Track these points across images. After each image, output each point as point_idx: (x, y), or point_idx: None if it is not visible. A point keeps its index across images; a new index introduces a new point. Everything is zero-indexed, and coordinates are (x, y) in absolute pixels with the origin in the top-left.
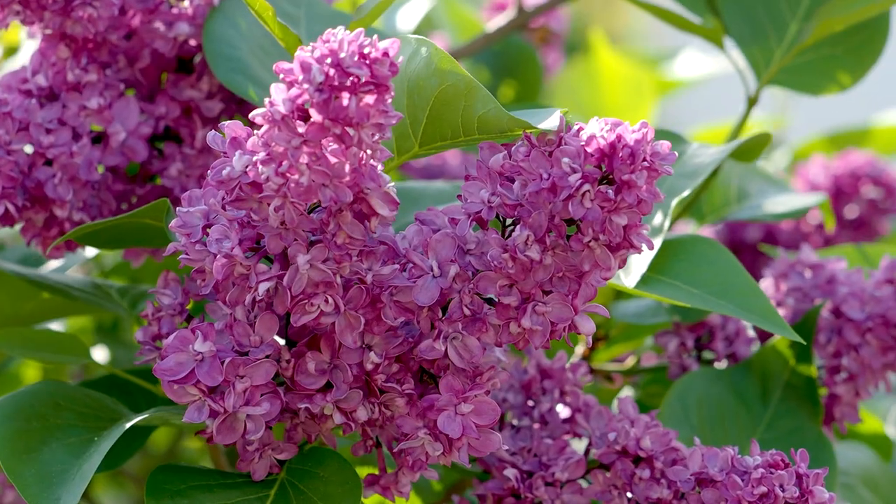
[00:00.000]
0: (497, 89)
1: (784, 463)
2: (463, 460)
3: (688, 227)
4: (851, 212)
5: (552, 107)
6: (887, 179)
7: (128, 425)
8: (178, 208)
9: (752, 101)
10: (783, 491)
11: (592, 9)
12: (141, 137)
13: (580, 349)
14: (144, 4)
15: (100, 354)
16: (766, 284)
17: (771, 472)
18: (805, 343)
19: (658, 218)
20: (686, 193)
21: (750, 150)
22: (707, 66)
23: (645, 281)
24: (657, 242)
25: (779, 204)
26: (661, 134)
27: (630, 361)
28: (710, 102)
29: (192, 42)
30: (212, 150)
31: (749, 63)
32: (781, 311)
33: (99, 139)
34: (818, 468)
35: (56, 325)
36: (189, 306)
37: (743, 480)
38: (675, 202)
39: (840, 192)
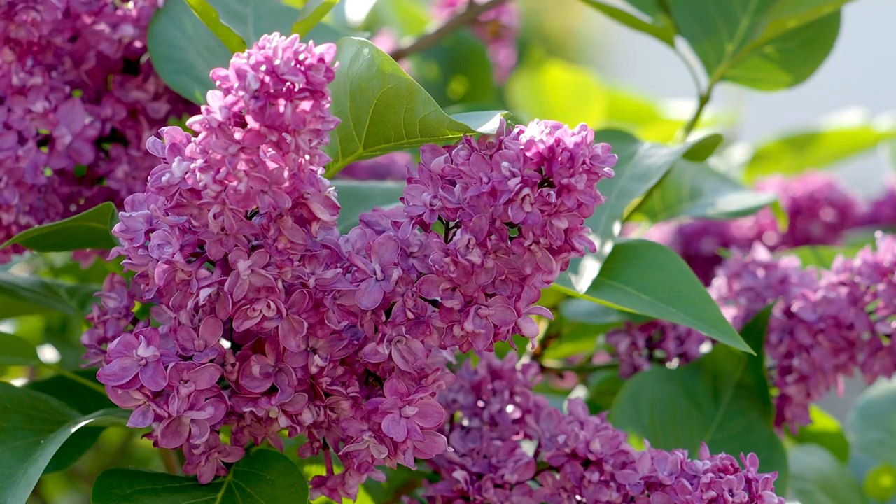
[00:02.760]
0: (447, 86)
1: (734, 467)
2: (408, 463)
3: (640, 226)
4: (808, 232)
5: (501, 108)
6: (843, 202)
7: (74, 429)
8: (120, 213)
9: (703, 99)
10: (732, 496)
11: (545, 6)
12: (87, 140)
13: (531, 348)
14: (89, 7)
15: (49, 355)
16: (719, 283)
17: (720, 477)
18: (754, 353)
19: (609, 222)
20: (638, 196)
21: (702, 150)
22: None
23: (596, 286)
24: (608, 246)
25: (731, 202)
26: (611, 133)
27: (581, 360)
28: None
29: (138, 44)
30: None
31: (700, 60)
32: (734, 311)
33: (45, 142)
34: (769, 469)
35: (5, 326)
36: (135, 309)
37: (692, 485)
38: (626, 205)
39: (798, 213)
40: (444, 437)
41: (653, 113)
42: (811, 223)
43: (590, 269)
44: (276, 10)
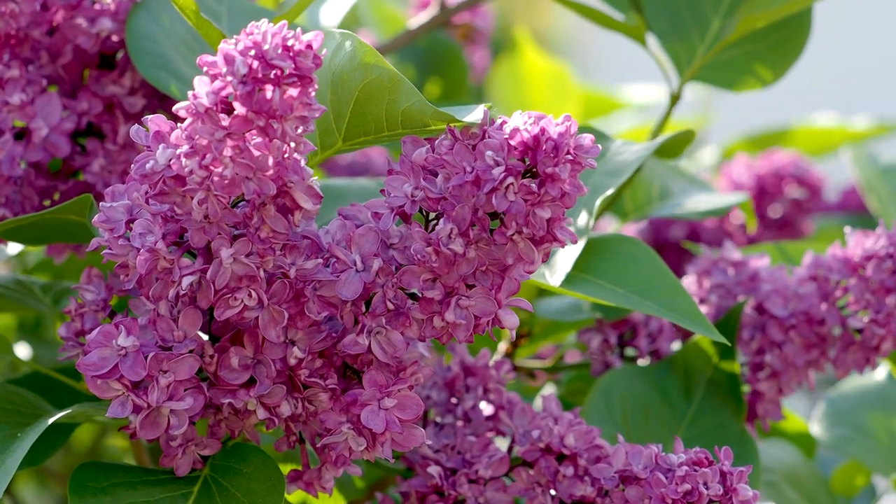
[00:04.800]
0: (422, 87)
1: (708, 460)
2: (386, 455)
3: (610, 225)
4: (775, 211)
5: (478, 104)
6: (811, 179)
7: (50, 421)
8: (101, 203)
9: (674, 98)
10: (707, 489)
11: (518, 7)
12: (63, 133)
13: (503, 346)
14: (66, 1)
15: (22, 352)
16: (689, 281)
17: (695, 470)
18: (728, 344)
19: (583, 217)
20: (610, 192)
21: (673, 147)
22: (645, 92)
23: (570, 280)
24: (581, 241)
25: (701, 202)
26: (584, 130)
27: (553, 358)
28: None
29: (115, 38)
30: (134, 146)
31: (671, 60)
32: (704, 309)
33: (21, 135)
34: (741, 465)
35: None
36: (112, 302)
37: (667, 478)
38: (599, 200)
39: (764, 192)
40: (422, 430)
41: (625, 105)
42: (778, 201)
43: (563, 262)
44: (251, 9)
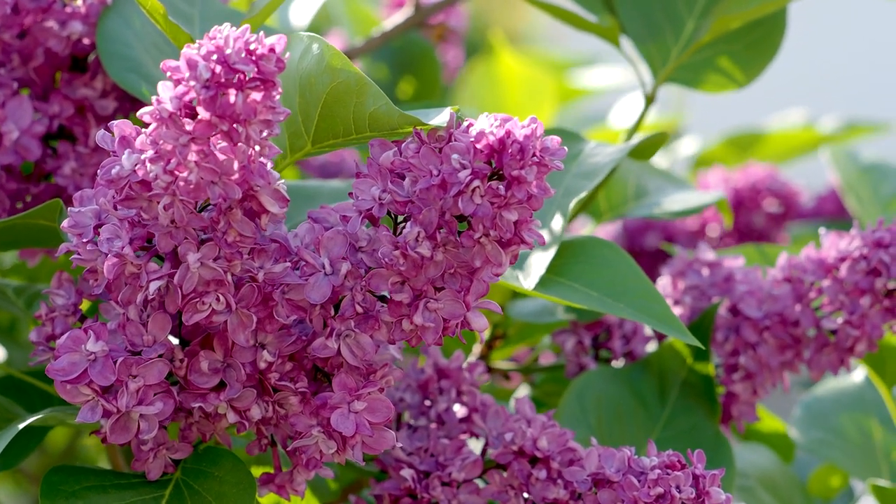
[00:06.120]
0: (396, 86)
1: (681, 464)
2: (357, 458)
3: (585, 226)
4: (751, 224)
5: (450, 105)
6: (787, 192)
7: (22, 425)
8: (69, 208)
9: (649, 99)
10: (679, 492)
11: (492, 7)
12: (34, 136)
13: (477, 348)
14: (38, 3)
15: None
16: (664, 283)
17: (667, 473)
18: (702, 346)
19: (556, 219)
20: (584, 194)
21: (647, 148)
22: (615, 76)
23: (543, 283)
24: (554, 244)
25: (676, 202)
26: (557, 132)
27: (528, 360)
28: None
29: (86, 41)
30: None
31: (646, 61)
32: (679, 310)
33: None
34: (716, 467)
35: None
36: (83, 306)
37: (639, 481)
38: (573, 203)
39: (741, 205)
40: (393, 433)
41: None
42: (754, 214)
43: (537, 265)
44: (223, 12)
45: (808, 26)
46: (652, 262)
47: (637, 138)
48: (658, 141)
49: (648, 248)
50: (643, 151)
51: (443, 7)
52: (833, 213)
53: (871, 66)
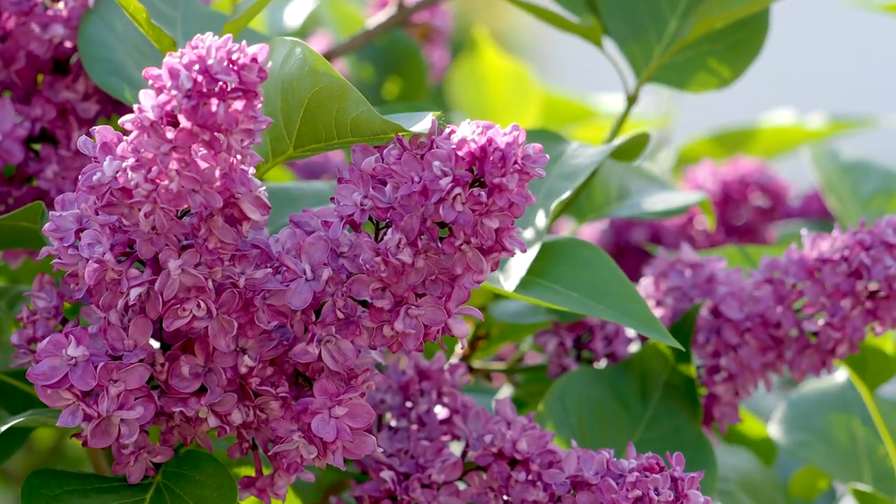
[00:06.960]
0: (381, 86)
1: (659, 466)
2: (338, 463)
3: (567, 226)
4: (739, 218)
5: (437, 107)
6: (775, 187)
7: (3, 428)
8: (51, 212)
9: (631, 100)
10: (658, 495)
11: (475, 8)
12: (16, 139)
13: (460, 349)
14: (19, 6)
15: None
16: (646, 283)
17: (646, 476)
18: (683, 349)
19: (538, 220)
20: (566, 195)
21: (629, 149)
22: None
23: (524, 284)
24: (536, 246)
25: (659, 202)
26: (540, 133)
27: (510, 360)
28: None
29: (68, 44)
30: None
31: (628, 61)
32: (660, 311)
33: None
34: (697, 469)
35: None
36: (64, 309)
37: (618, 484)
38: (554, 204)
39: (728, 198)
40: (374, 438)
41: (587, 112)
42: (742, 208)
43: (518, 267)
44: (205, 14)
45: (791, 25)
46: (638, 259)
47: (620, 139)
48: (640, 142)
49: (635, 243)
50: (626, 152)
51: (426, 6)
52: (820, 213)
53: (854, 65)
